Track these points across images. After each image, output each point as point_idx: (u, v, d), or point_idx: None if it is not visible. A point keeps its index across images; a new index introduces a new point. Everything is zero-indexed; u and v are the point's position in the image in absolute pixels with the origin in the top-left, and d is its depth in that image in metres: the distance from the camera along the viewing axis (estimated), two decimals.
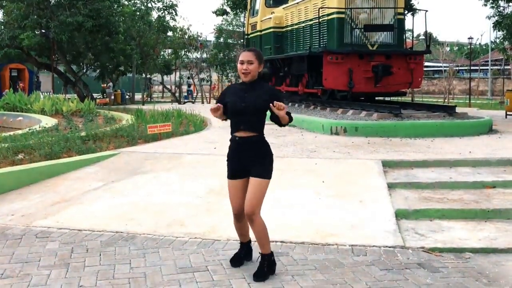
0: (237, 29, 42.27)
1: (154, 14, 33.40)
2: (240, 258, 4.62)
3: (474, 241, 5.28)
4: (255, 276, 4.32)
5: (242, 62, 4.26)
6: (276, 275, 4.38)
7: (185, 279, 4.30)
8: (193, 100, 32.41)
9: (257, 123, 4.28)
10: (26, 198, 6.84)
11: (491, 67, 43.79)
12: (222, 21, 44.14)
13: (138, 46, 30.97)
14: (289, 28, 18.13)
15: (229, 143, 4.41)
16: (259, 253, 4.41)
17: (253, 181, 4.26)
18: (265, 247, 4.36)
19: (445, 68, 33.00)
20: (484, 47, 62.97)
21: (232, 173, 4.37)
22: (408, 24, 30.34)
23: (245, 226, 4.53)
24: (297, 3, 17.28)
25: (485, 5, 19.43)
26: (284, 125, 4.33)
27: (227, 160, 4.39)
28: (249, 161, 4.27)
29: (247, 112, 4.22)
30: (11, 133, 11.34)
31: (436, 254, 4.98)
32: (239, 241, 4.67)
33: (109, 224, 5.73)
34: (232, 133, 4.34)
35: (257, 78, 4.33)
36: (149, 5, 32.68)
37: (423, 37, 22.68)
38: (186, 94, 35.39)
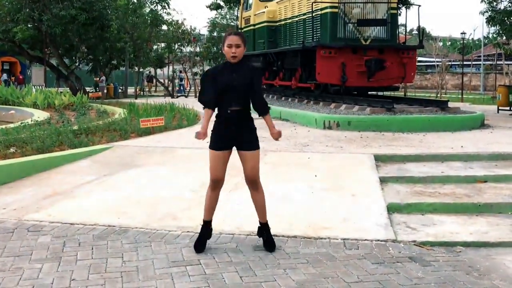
0: (231, 23, 42.18)
1: (147, 7, 33.23)
2: (205, 242, 4.81)
3: (465, 235, 5.31)
4: (272, 246, 4.80)
5: (230, 46, 4.57)
6: (268, 269, 4.39)
7: (177, 272, 4.30)
8: (186, 94, 32.36)
9: (246, 98, 4.64)
10: (18, 192, 6.81)
11: (484, 62, 43.88)
12: (216, 15, 44.08)
13: (131, 39, 30.84)
14: (283, 23, 18.12)
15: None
16: (260, 223, 4.87)
17: (249, 154, 4.66)
18: (265, 215, 4.86)
19: (438, 63, 33.00)
20: (477, 42, 63.16)
21: (219, 145, 4.66)
22: (401, 19, 30.40)
23: (216, 198, 4.81)
24: None
25: (482, 1, 19.44)
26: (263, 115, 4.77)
27: (214, 133, 4.68)
28: (238, 134, 4.64)
29: (238, 89, 4.57)
30: (3, 126, 11.28)
31: (428, 248, 5.00)
32: (203, 220, 4.84)
33: (102, 218, 5.72)
34: (222, 109, 4.64)
35: (241, 59, 4.66)
36: None
37: (416, 32, 22.70)
38: (178, 88, 35.31)
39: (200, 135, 4.65)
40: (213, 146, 4.68)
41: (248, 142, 4.66)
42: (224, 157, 4.68)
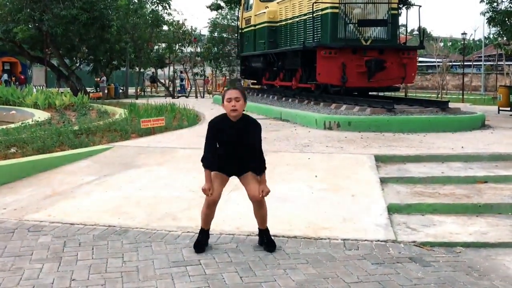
0: (232, 23, 42.17)
1: (148, 8, 33.22)
2: (204, 245, 4.87)
3: (465, 236, 5.31)
4: (272, 247, 4.83)
5: (229, 100, 4.57)
6: (268, 269, 4.39)
7: (178, 273, 4.30)
8: (186, 95, 32.37)
9: (246, 152, 4.71)
10: (18, 192, 6.82)
11: (484, 63, 43.84)
12: (216, 15, 44.04)
13: (132, 40, 30.84)
14: (283, 23, 18.12)
15: None
16: (260, 229, 4.92)
17: (251, 174, 4.75)
18: (265, 222, 4.91)
19: (438, 64, 32.99)
20: (477, 42, 63.08)
21: (220, 166, 4.72)
22: (401, 19, 30.31)
23: (213, 213, 4.84)
24: None
25: (482, 1, 19.44)
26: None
27: (219, 159, 4.71)
28: (239, 165, 4.76)
29: (237, 146, 4.66)
30: (4, 126, 11.30)
31: (428, 248, 5.01)
32: (201, 227, 4.91)
33: (102, 218, 5.73)
34: (222, 156, 4.68)
35: (242, 115, 4.67)
36: None
37: (417, 33, 22.72)
38: (179, 88, 35.32)
39: (206, 192, 4.66)
40: (214, 167, 4.71)
41: (249, 167, 4.74)
42: (223, 178, 4.75)
